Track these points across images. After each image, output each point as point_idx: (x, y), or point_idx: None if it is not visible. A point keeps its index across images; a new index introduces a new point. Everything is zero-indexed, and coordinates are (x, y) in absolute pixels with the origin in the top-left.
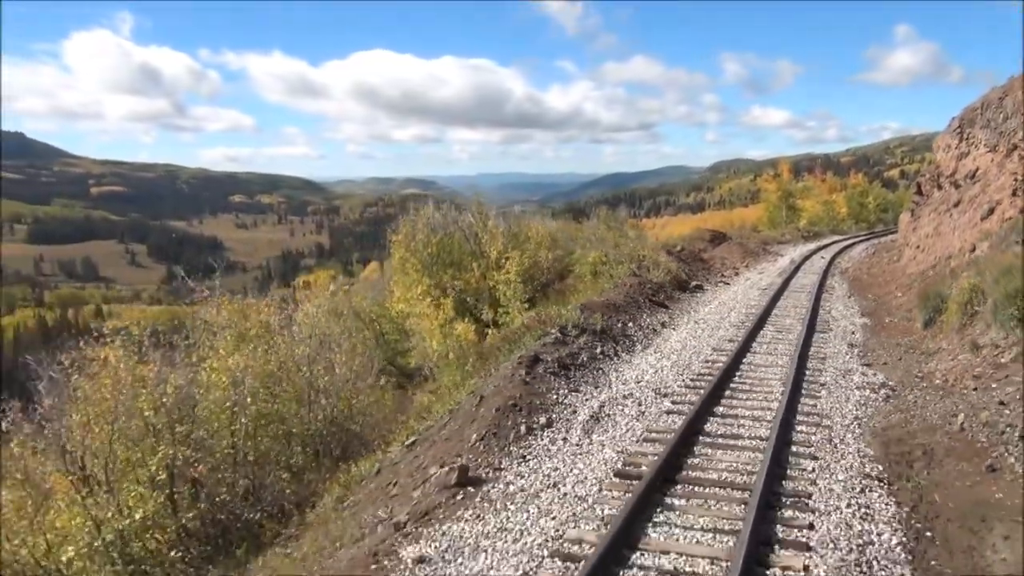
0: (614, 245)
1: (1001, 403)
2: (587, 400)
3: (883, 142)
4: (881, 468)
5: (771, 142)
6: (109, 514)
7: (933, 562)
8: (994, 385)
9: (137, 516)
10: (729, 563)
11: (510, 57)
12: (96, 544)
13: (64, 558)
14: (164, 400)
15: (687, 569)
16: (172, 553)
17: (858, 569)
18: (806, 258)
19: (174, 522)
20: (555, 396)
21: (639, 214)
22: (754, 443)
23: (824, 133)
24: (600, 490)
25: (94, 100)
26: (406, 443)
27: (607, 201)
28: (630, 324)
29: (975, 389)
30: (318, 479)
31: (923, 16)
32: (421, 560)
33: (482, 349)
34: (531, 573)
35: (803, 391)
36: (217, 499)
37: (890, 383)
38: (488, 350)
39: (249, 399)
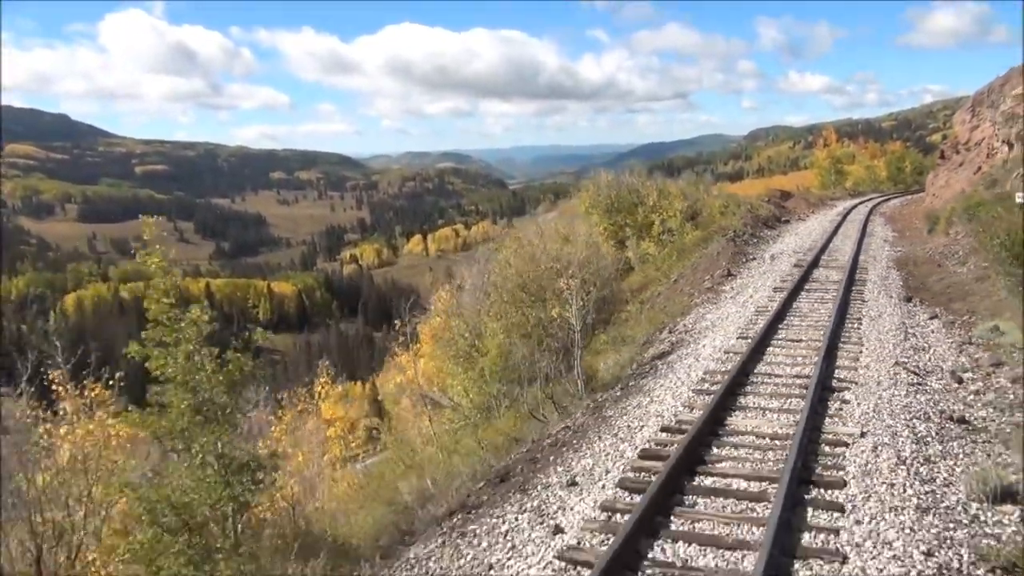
0: (718, 196)
1: (951, 251)
2: (765, 251)
3: (925, 105)
4: (894, 266)
5: (810, 108)
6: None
7: (911, 282)
8: (947, 246)
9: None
10: (843, 278)
11: (542, 28)
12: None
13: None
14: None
15: (831, 278)
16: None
17: (883, 281)
18: (854, 207)
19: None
20: (749, 251)
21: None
22: (843, 264)
23: (864, 98)
24: (785, 273)
25: (132, 81)
26: (672, 280)
27: (647, 171)
28: (761, 233)
29: (941, 249)
30: (612, 311)
31: None
32: (732, 283)
33: (681, 247)
34: (762, 289)
35: (860, 252)
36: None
37: (902, 249)
38: (684, 248)
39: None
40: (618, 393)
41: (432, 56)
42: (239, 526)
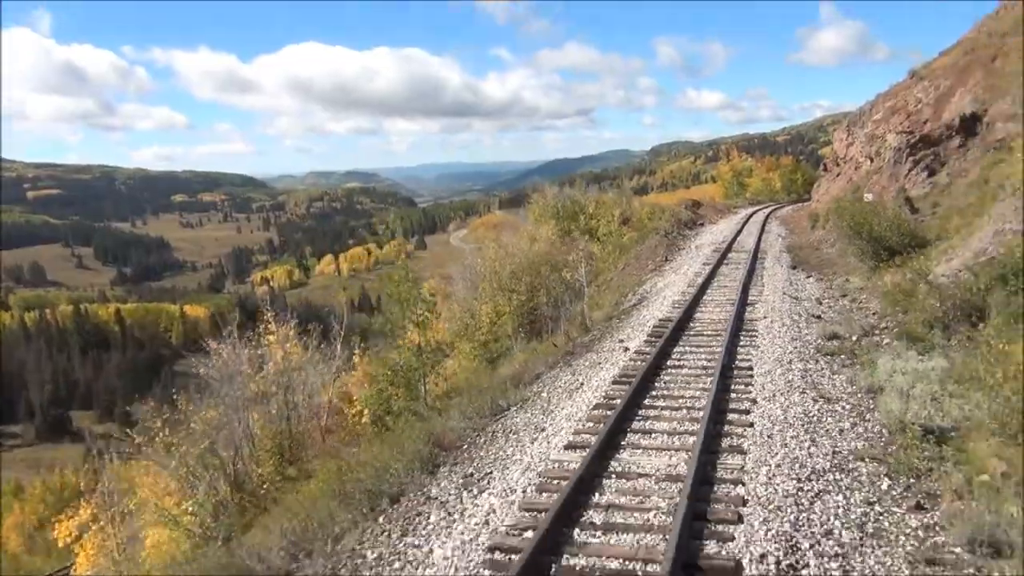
0: (644, 205)
1: (825, 240)
2: (690, 244)
3: (816, 120)
4: (785, 250)
5: (708, 123)
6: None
7: (796, 259)
8: (823, 237)
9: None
10: (749, 257)
11: (444, 46)
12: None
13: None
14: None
15: (741, 258)
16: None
17: (777, 259)
18: (755, 213)
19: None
20: (679, 244)
21: None
22: (748, 249)
23: (758, 113)
24: (708, 256)
25: (17, 100)
26: (619, 268)
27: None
28: (685, 232)
29: (818, 239)
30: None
31: None
32: (670, 265)
33: (621, 245)
34: (694, 265)
35: (761, 243)
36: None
37: (791, 239)
38: (624, 246)
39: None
40: (615, 320)
41: (333, 75)
42: (425, 386)
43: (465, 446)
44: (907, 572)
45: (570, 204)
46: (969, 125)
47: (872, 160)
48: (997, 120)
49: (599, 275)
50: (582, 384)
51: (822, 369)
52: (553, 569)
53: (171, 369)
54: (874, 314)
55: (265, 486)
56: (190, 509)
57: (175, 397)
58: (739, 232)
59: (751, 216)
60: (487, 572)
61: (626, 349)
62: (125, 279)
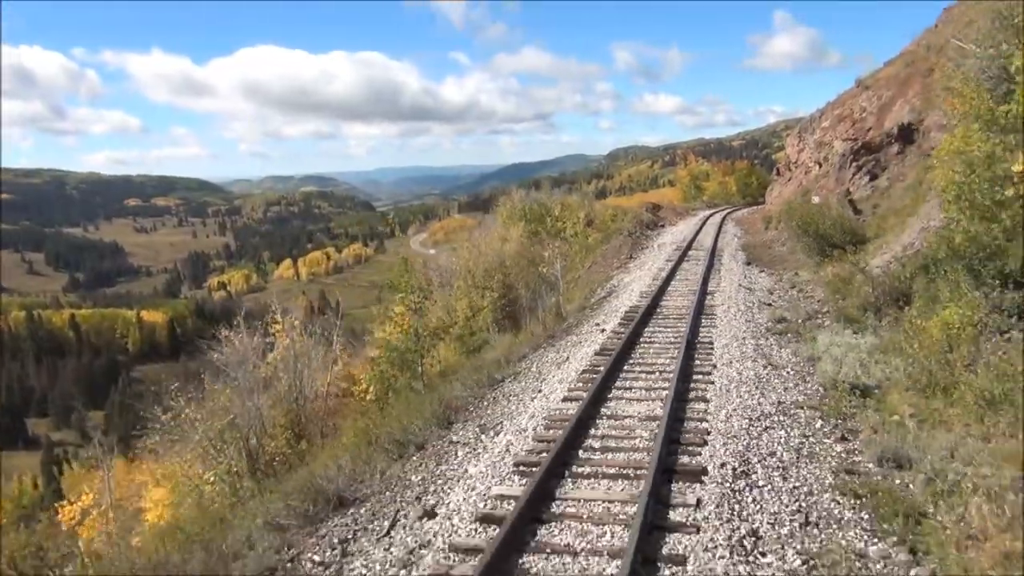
0: (607, 208)
1: (777, 239)
2: (652, 243)
3: (770, 125)
4: (741, 248)
5: (665, 128)
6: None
7: (751, 256)
8: (775, 237)
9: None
10: (707, 254)
11: (402, 50)
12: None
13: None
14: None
15: (701, 255)
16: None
17: (734, 256)
18: (712, 215)
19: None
20: (642, 243)
21: None
22: (707, 248)
23: (714, 118)
24: (670, 254)
25: None
26: (586, 267)
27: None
28: (647, 232)
29: (771, 238)
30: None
31: (798, 2)
32: (635, 262)
33: (587, 245)
34: (658, 262)
35: (719, 242)
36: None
37: (746, 239)
38: (589, 246)
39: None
40: (588, 311)
41: (290, 78)
42: (421, 367)
43: (471, 408)
44: (830, 479)
45: (537, 207)
46: (907, 133)
47: (820, 165)
48: (932, 129)
49: (568, 272)
50: (568, 358)
51: (771, 344)
52: (566, 473)
53: (128, 375)
54: (818, 301)
55: (278, 458)
56: (212, 479)
57: (131, 403)
58: (698, 232)
59: (709, 218)
60: (516, 475)
61: (603, 331)
62: (78, 285)
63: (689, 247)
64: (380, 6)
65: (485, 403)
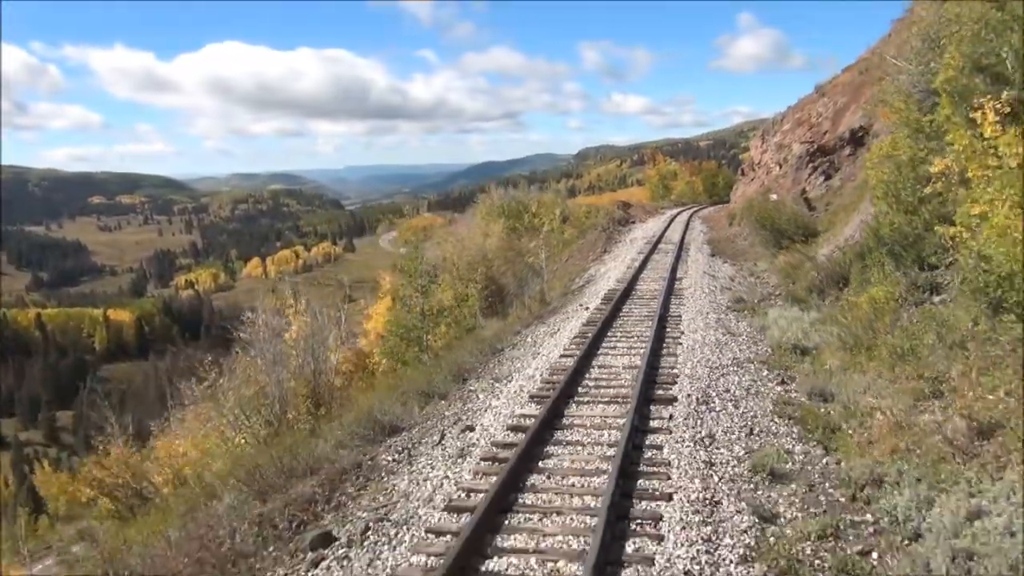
0: (581, 205)
1: (740, 234)
2: (624, 238)
3: (736, 126)
4: (706, 242)
5: (632, 128)
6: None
7: (716, 249)
8: (738, 232)
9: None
10: (676, 247)
11: (369, 48)
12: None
13: None
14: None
15: (670, 248)
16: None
17: (700, 248)
18: (680, 213)
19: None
20: (616, 238)
21: None
22: (675, 242)
23: (681, 118)
24: (641, 248)
25: None
26: (564, 260)
27: (482, 190)
28: (619, 228)
29: (734, 233)
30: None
31: (762, 3)
32: (609, 255)
33: (563, 239)
34: (631, 254)
35: (686, 237)
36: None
37: (711, 234)
38: (566, 240)
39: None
40: (570, 295)
41: (256, 75)
42: (427, 342)
43: (480, 369)
44: (771, 407)
45: (515, 204)
46: (859, 137)
47: (781, 166)
48: (880, 133)
49: (548, 264)
50: (559, 329)
51: (731, 318)
52: (571, 400)
53: (96, 374)
54: (772, 286)
55: (300, 423)
56: (243, 441)
57: (101, 402)
58: (667, 228)
59: (676, 216)
60: (532, 403)
61: (587, 309)
62: (41, 284)
63: (659, 241)
64: (344, 5)
65: (492, 364)
